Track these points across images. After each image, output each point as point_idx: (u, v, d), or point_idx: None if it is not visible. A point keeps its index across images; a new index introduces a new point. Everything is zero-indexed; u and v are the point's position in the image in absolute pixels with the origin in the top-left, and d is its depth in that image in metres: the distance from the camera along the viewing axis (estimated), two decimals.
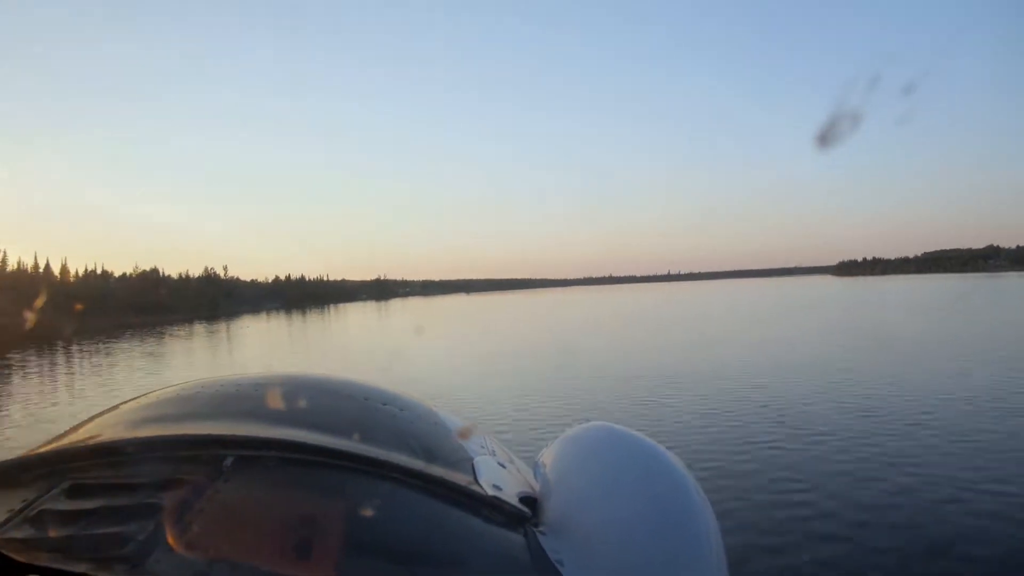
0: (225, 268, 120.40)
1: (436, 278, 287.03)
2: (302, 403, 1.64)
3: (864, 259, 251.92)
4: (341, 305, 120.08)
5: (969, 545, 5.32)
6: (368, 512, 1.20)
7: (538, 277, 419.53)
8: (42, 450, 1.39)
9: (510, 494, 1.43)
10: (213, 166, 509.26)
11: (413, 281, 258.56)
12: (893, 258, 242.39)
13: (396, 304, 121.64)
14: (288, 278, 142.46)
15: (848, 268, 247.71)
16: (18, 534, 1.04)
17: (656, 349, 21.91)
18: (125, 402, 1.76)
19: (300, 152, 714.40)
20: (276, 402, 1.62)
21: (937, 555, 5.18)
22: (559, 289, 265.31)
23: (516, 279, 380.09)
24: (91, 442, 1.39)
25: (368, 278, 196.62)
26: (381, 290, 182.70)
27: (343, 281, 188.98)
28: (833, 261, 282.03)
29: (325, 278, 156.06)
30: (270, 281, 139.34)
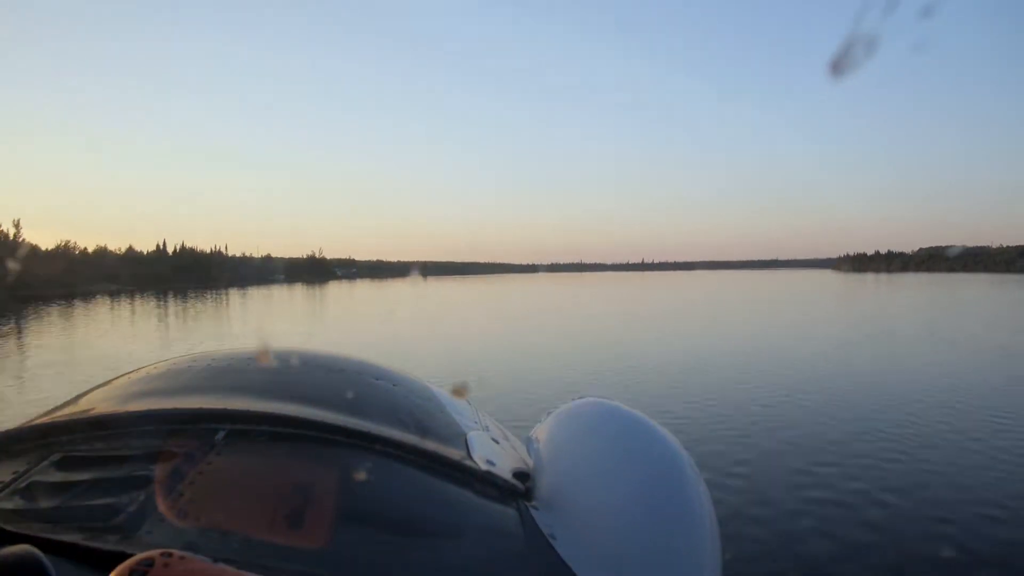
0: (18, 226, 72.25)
1: (392, 259, 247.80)
2: (295, 377, 1.64)
3: (877, 252, 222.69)
4: (251, 289, 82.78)
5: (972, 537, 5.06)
6: (361, 486, 1.20)
7: (502, 262, 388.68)
8: (34, 422, 1.39)
9: (503, 469, 1.42)
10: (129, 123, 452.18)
11: (360, 261, 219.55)
12: (913, 251, 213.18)
13: (332, 290, 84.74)
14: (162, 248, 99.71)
15: (854, 262, 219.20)
16: (9, 505, 1.05)
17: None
18: (118, 376, 1.73)
19: (246, 120, 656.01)
20: (269, 376, 1.62)
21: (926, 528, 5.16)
22: (525, 275, 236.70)
23: (478, 263, 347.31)
24: (83, 415, 1.38)
25: (301, 255, 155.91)
26: (314, 270, 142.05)
27: (267, 257, 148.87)
28: (837, 254, 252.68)
29: (222, 250, 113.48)
30: (146, 252, 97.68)
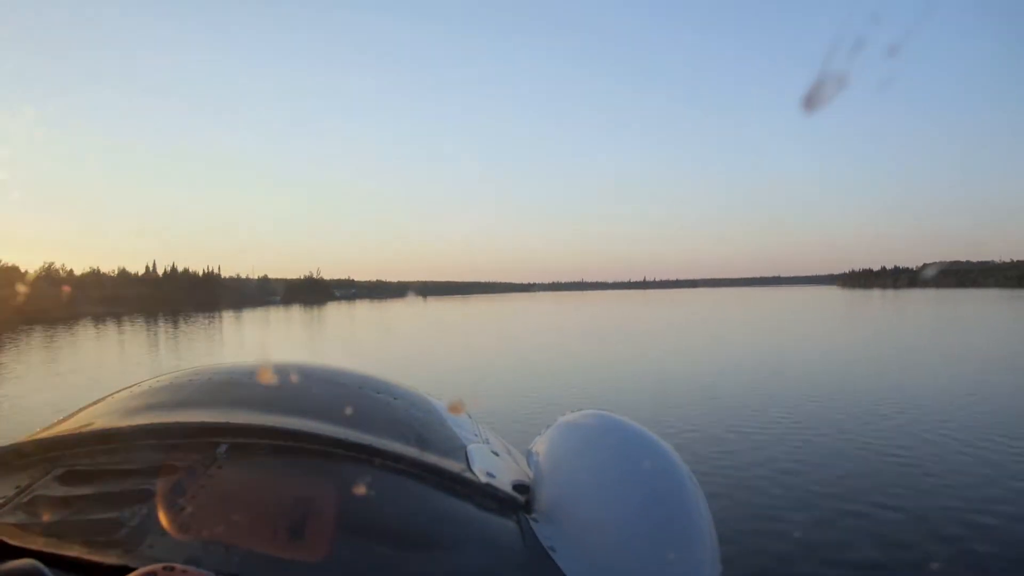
0: None
1: (392, 279, 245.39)
2: (296, 391, 1.64)
3: (883, 268, 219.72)
4: (245, 311, 79.82)
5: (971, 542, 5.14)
6: (361, 499, 1.20)
7: (503, 281, 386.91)
8: (37, 437, 1.39)
9: (503, 481, 1.43)
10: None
11: (360, 282, 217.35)
12: (917, 266, 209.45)
13: (330, 312, 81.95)
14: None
15: (859, 279, 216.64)
16: (12, 519, 1.04)
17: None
18: (120, 390, 1.74)
19: (239, 137, 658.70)
20: (270, 390, 1.63)
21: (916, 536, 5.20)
22: (525, 295, 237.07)
23: (478, 282, 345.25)
24: (86, 429, 1.38)
25: (300, 276, 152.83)
26: (312, 291, 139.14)
27: (265, 279, 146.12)
28: (837, 270, 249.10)
29: (215, 271, 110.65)
30: (139, 275, 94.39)
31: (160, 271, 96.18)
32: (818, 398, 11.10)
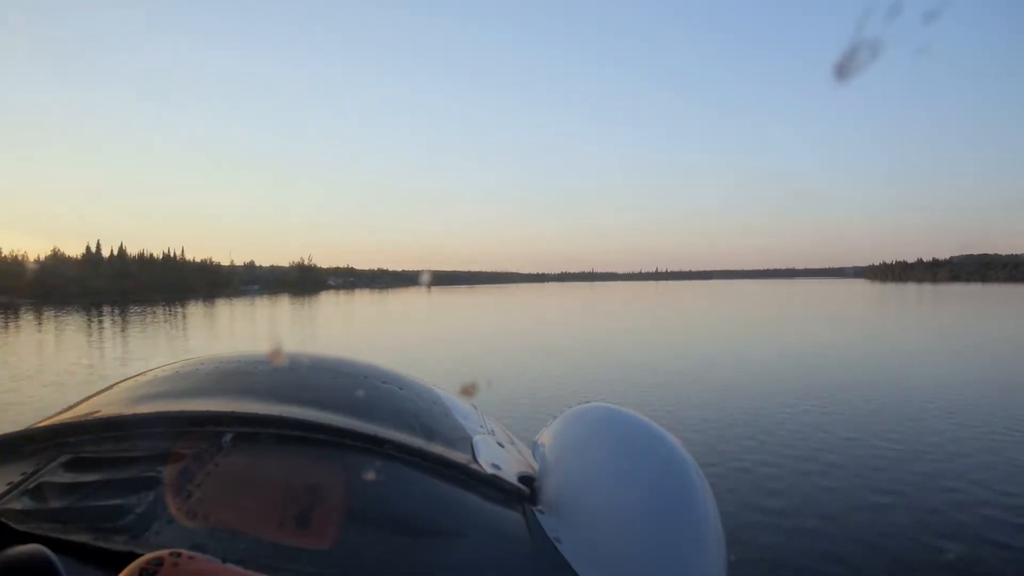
0: None
1: (398, 268, 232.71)
2: (302, 380, 1.66)
3: (919, 260, 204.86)
4: (219, 302, 67.33)
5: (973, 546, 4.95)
6: (367, 488, 1.21)
7: (510, 271, 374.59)
8: (43, 424, 1.40)
9: (509, 473, 1.43)
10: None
11: (360, 270, 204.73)
12: (942, 259, 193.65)
13: (320, 304, 69.73)
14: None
15: (890, 272, 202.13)
16: (18, 505, 1.05)
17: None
18: (126, 379, 1.76)
19: (245, 128, 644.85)
20: (276, 379, 1.64)
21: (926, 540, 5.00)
22: (534, 285, 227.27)
23: (485, 272, 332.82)
24: (92, 416, 1.39)
25: (290, 263, 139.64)
26: (304, 279, 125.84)
27: (251, 265, 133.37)
28: (853, 263, 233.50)
29: (178, 255, 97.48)
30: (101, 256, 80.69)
31: (106, 253, 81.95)
32: (844, 398, 10.35)
